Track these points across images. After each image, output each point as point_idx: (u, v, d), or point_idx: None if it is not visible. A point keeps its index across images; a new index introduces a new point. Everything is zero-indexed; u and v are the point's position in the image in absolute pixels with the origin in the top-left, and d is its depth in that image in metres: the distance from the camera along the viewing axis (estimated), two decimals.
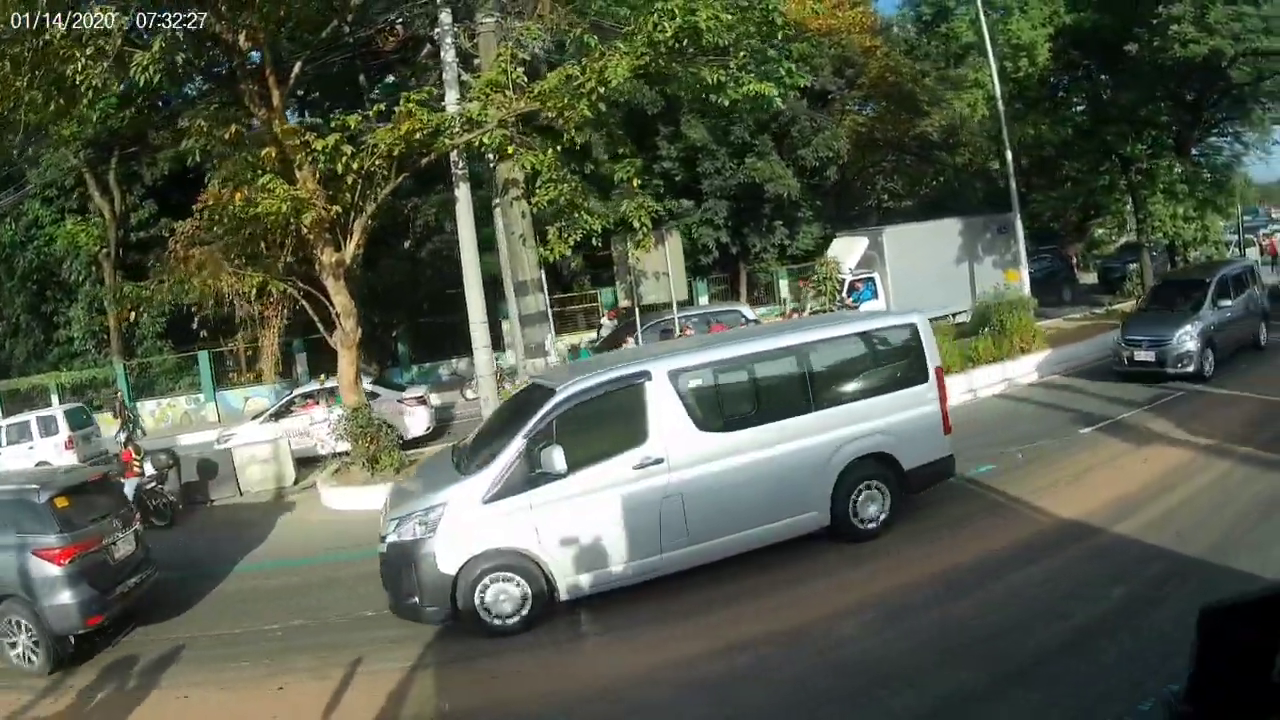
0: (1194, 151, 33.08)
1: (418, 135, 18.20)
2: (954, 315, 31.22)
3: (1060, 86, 33.67)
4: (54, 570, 11.75)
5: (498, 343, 30.28)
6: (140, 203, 38.09)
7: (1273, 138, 35.14)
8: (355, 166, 18.21)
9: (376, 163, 18.48)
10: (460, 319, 22.30)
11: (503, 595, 10.80)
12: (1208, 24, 25.54)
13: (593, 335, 32.85)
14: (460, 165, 20.20)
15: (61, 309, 41.12)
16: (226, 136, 18.65)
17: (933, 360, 13.05)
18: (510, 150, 18.87)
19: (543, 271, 21.32)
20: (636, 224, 20.40)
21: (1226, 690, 3.35)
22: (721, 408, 12.04)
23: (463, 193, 20.39)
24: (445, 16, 19.88)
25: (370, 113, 18.90)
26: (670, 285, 22.26)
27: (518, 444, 11.02)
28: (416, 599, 10.96)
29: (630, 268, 22.21)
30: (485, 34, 19.84)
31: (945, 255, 32.91)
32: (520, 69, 18.60)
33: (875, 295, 30.51)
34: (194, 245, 22.47)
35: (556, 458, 10.70)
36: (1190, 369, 20.88)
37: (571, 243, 20.40)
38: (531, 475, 10.86)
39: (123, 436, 24.04)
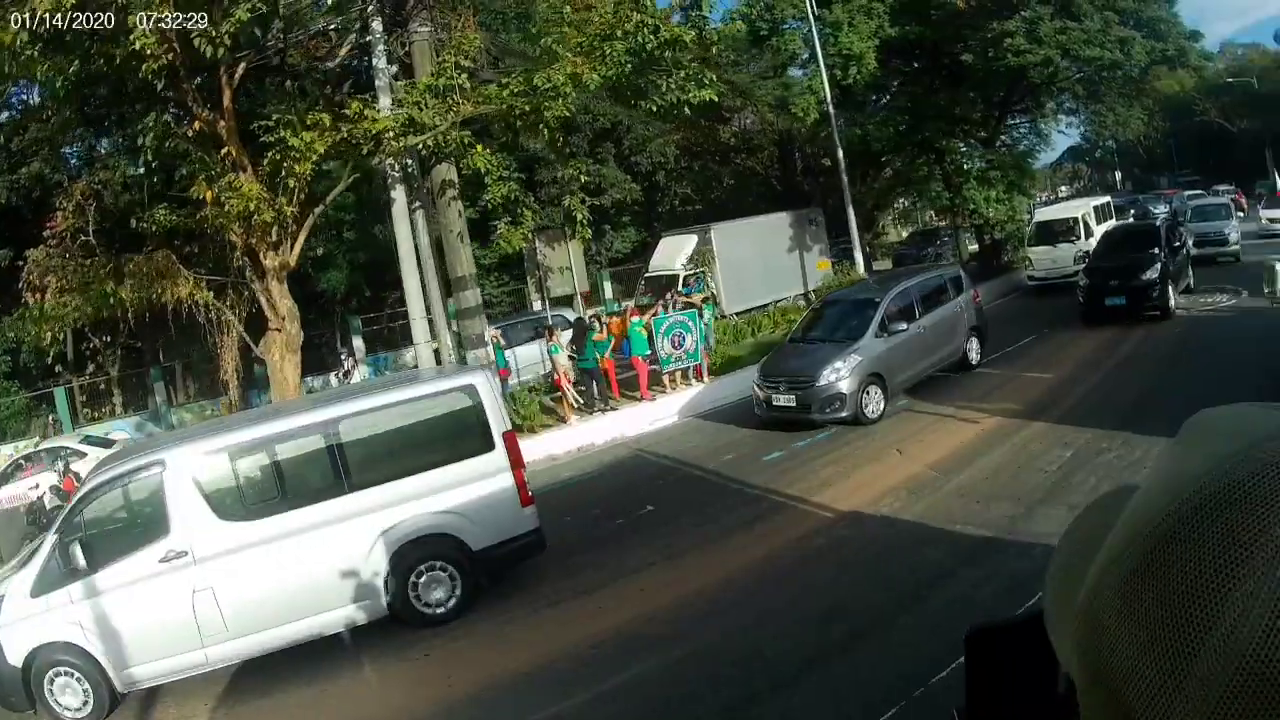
0: (998, 143, 38.07)
1: (389, 136, 19.20)
2: (777, 301, 34.25)
3: (885, 90, 37.19)
4: None
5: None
6: None
7: (1059, 127, 43.22)
8: (299, 170, 18.85)
9: (309, 167, 19.17)
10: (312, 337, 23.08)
11: (67, 688, 10.68)
12: (1038, 36, 29.93)
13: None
14: (397, 168, 21.07)
15: None
16: (189, 133, 19.29)
17: (499, 425, 12.06)
18: (480, 149, 20.27)
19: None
20: (579, 217, 22.09)
21: (1007, 709, 3.70)
22: (243, 495, 11.39)
23: (399, 194, 21.25)
24: (377, 25, 20.80)
25: (348, 111, 19.44)
26: (574, 279, 23.91)
27: (52, 538, 10.88)
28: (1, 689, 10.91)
29: (538, 263, 23.65)
30: (420, 43, 20.98)
31: (772, 248, 35.81)
32: (464, 75, 19.87)
33: (705, 289, 32.80)
34: (48, 273, 22.73)
35: (76, 553, 10.50)
36: (844, 414, 18.02)
37: (522, 236, 21.76)
38: (66, 570, 10.62)
39: (61, 465, 23.79)
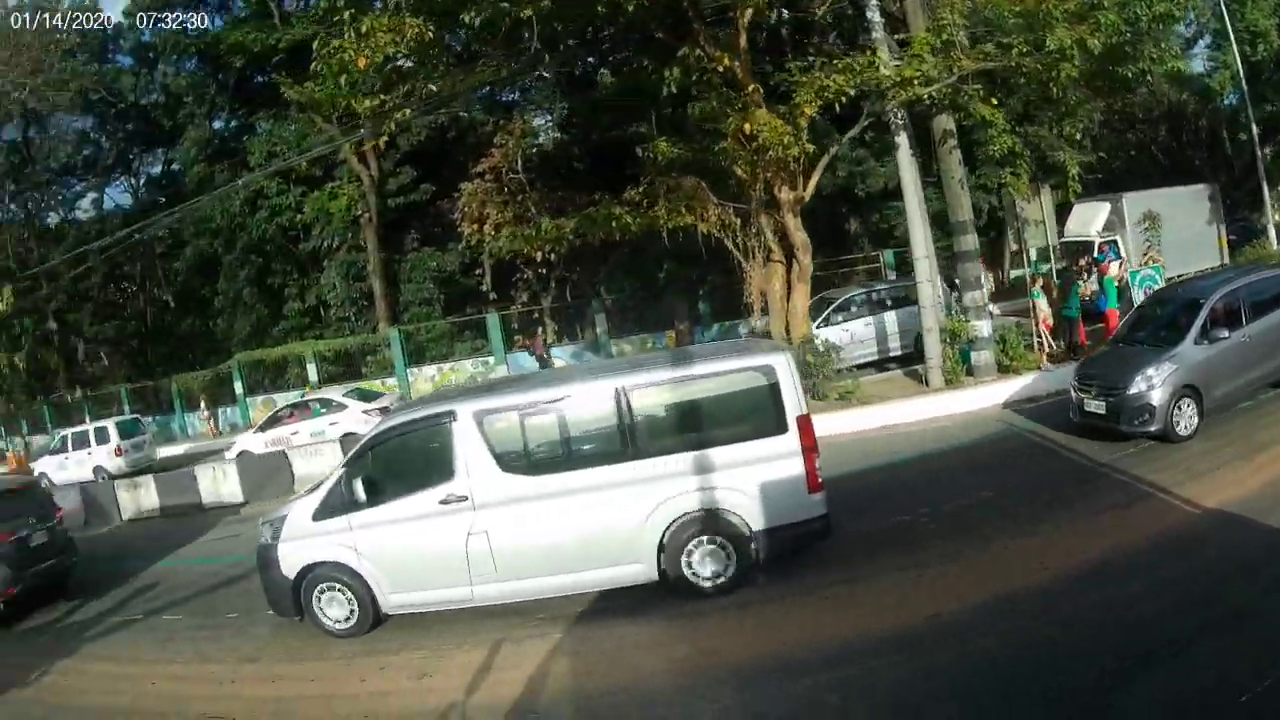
0: None
1: (910, 83, 21.20)
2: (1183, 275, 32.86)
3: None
4: None
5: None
6: (396, 169, 40.56)
7: None
8: (809, 112, 21.16)
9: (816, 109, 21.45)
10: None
11: (334, 602, 12.47)
12: None
13: None
14: (900, 116, 22.82)
15: (291, 280, 43.91)
16: (720, 68, 21.61)
17: (794, 408, 11.97)
18: (994, 102, 22.15)
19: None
20: (1072, 173, 24.11)
21: None
22: (529, 451, 12.22)
23: (903, 140, 23.04)
24: None
25: (862, 59, 21.54)
26: (1047, 232, 25.39)
27: (339, 470, 12.56)
28: (273, 595, 12.97)
29: (1017, 215, 25.37)
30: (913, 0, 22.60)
31: (1180, 220, 35.77)
32: (961, 32, 21.43)
33: (1119, 256, 32.40)
34: (486, 204, 25.64)
35: (358, 487, 12.05)
36: (1152, 428, 16.19)
37: (1023, 187, 23.73)
38: (348, 500, 12.18)
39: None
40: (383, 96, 22.01)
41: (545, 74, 34.26)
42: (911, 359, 26.11)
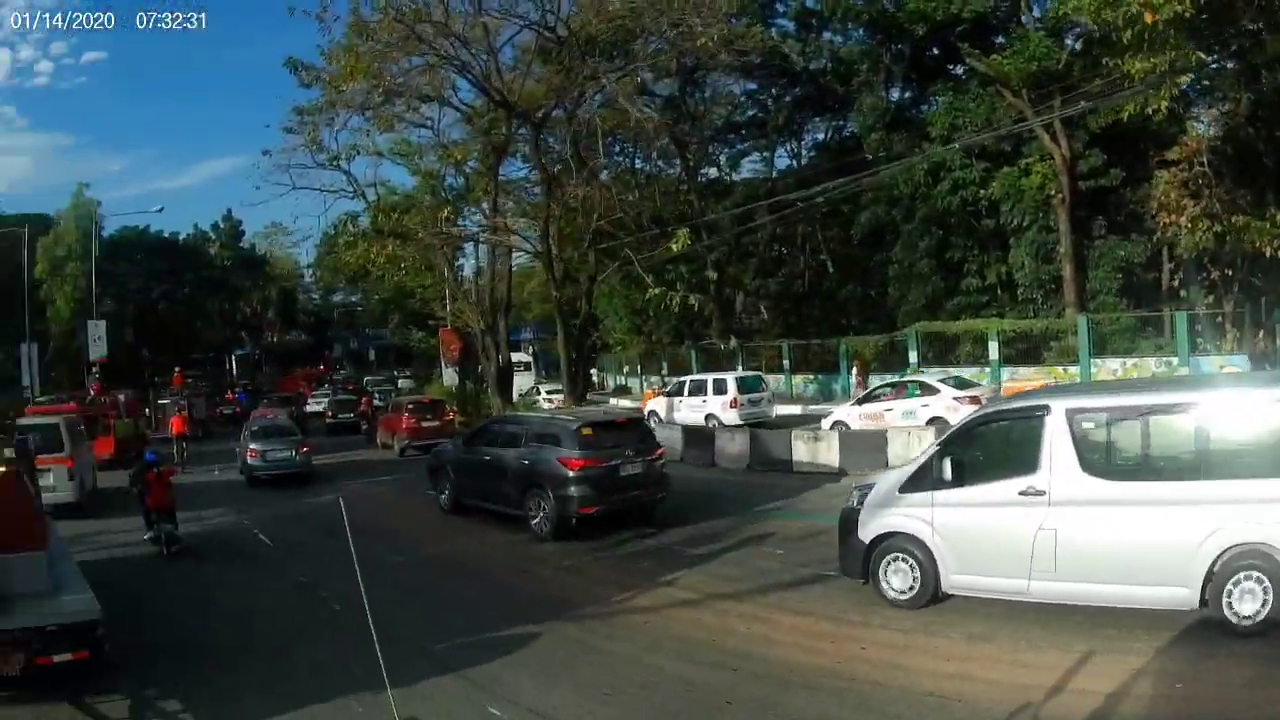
0: None
1: None
2: None
3: None
4: (568, 473, 19.95)
5: None
6: (1085, 150, 41.68)
7: None
8: None
9: None
10: None
11: (899, 572, 13.64)
12: None
13: None
14: None
15: (971, 255, 46.78)
16: None
17: None
18: None
19: None
20: None
21: None
22: (1110, 455, 12.77)
23: None
24: None
25: None
26: None
27: (932, 449, 13.82)
28: (846, 557, 14.46)
29: None
30: None
31: None
32: None
33: None
34: (1185, 196, 26.16)
35: (945, 468, 13.12)
36: None
37: None
38: (935, 478, 13.28)
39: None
40: (1153, 59, 22.86)
41: (1224, 63, 33.96)
42: None
